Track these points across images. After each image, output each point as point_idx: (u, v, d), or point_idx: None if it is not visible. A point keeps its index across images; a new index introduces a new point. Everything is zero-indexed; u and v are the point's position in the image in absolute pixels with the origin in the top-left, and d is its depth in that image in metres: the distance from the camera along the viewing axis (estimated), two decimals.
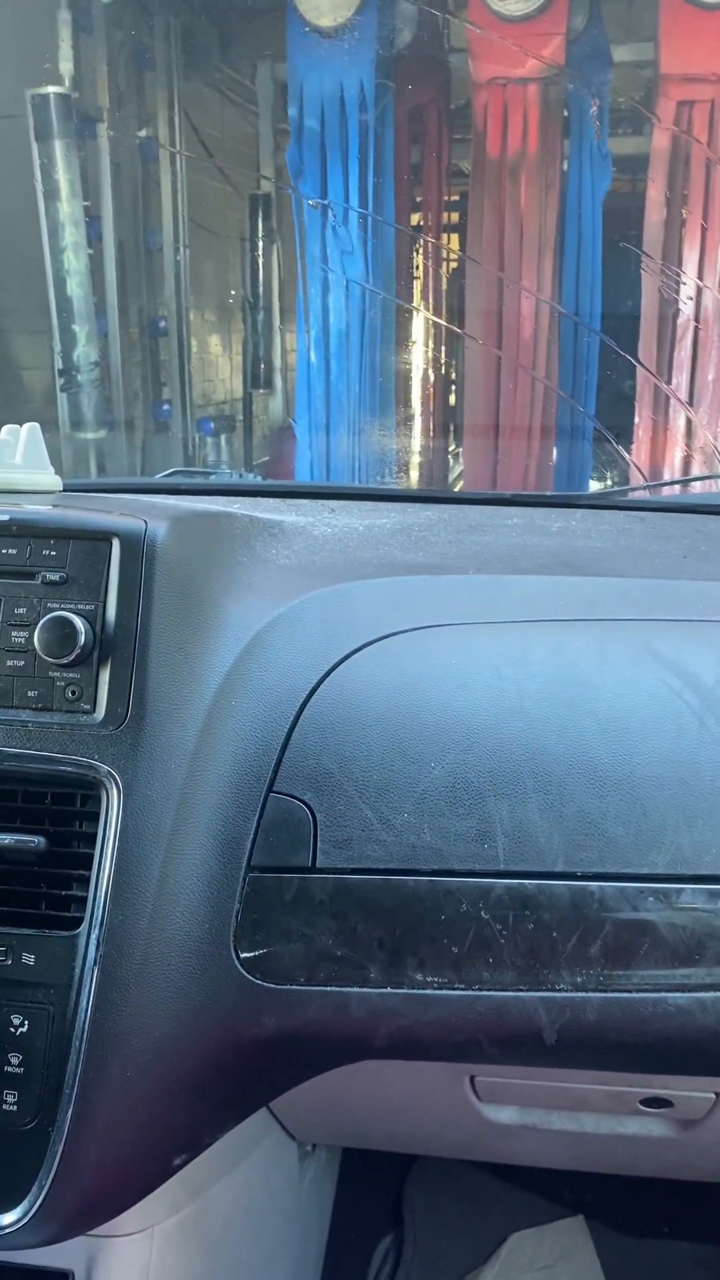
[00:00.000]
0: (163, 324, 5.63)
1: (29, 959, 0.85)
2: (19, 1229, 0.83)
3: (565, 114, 4.59)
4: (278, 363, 5.98)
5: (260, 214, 5.73)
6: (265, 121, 5.73)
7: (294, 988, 0.85)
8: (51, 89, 4.47)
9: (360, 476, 4.60)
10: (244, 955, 0.86)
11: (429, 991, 0.85)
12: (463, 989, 0.84)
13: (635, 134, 5.11)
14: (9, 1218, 0.84)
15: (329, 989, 0.85)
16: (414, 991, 0.85)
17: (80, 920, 0.85)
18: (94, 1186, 0.85)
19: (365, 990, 0.85)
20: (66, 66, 4.54)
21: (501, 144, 4.52)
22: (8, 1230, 0.83)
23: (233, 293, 6.34)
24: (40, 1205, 0.83)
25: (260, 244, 5.76)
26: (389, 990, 0.85)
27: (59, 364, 4.68)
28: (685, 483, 2.19)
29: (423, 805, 0.86)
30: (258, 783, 0.88)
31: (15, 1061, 0.85)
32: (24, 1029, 0.85)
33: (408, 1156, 1.58)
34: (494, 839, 0.85)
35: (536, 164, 4.51)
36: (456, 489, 5.23)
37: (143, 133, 5.34)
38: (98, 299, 4.87)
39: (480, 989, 0.84)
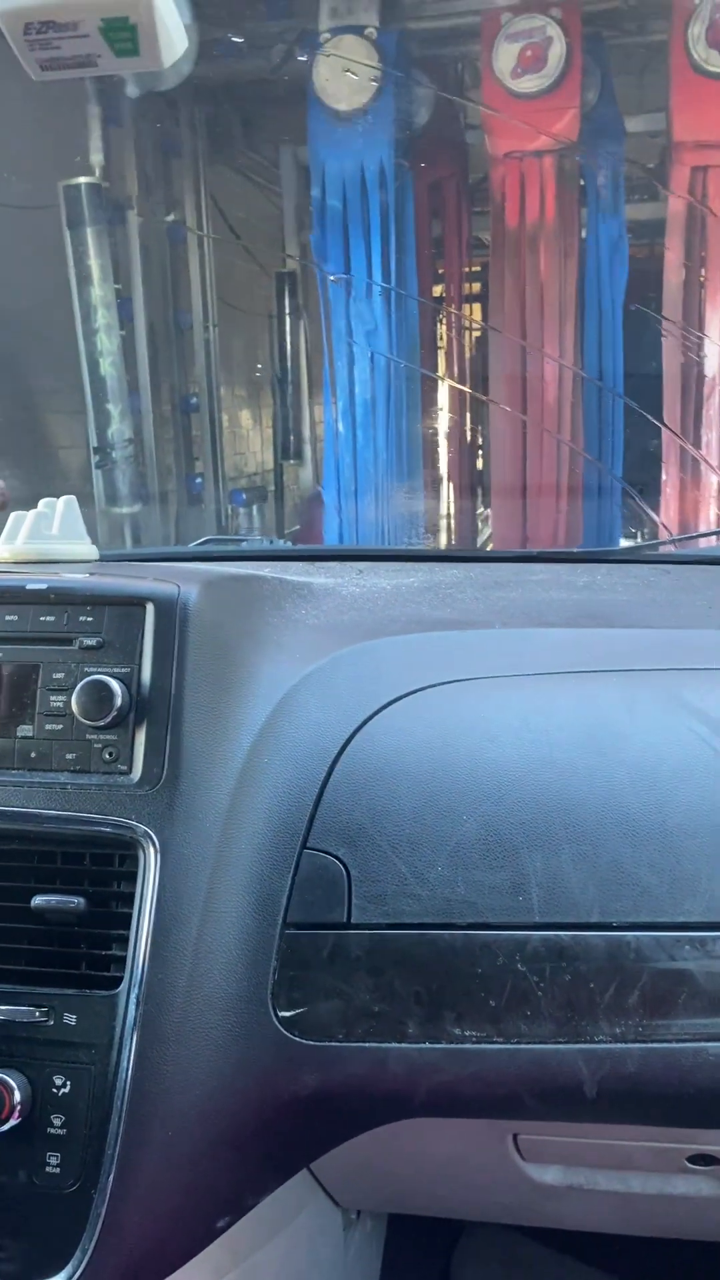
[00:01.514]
0: (194, 400, 5.76)
1: (70, 1019, 0.86)
2: None
3: (581, 184, 4.70)
4: (307, 434, 6.08)
5: (286, 291, 5.88)
6: (289, 202, 5.91)
7: (332, 1044, 0.86)
8: (82, 179, 4.65)
9: (388, 542, 4.65)
10: (282, 1013, 0.86)
11: (468, 1046, 0.84)
12: (501, 1042, 0.84)
13: (651, 200, 5.21)
14: None
15: (367, 1045, 0.85)
16: (452, 1046, 0.85)
17: (120, 980, 0.86)
18: (138, 1250, 0.85)
19: (403, 1046, 0.85)
20: (96, 157, 4.72)
21: (520, 215, 4.63)
22: None
23: (261, 368, 6.49)
24: (84, 1270, 0.83)
25: (287, 320, 5.91)
26: (427, 1045, 0.85)
27: (94, 441, 4.80)
28: (710, 536, 2.20)
29: (456, 858, 0.87)
30: (292, 840, 0.89)
31: (58, 1123, 0.85)
32: (66, 1090, 0.85)
33: (456, 1226, 1.55)
34: (528, 891, 0.85)
35: (554, 233, 4.61)
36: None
37: (171, 217, 5.52)
38: (130, 378, 5.00)
39: (519, 1042, 0.84)
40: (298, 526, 6.17)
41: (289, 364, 5.96)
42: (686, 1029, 0.82)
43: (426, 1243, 1.54)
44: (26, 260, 4.61)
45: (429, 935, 0.86)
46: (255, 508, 5.98)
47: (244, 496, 5.99)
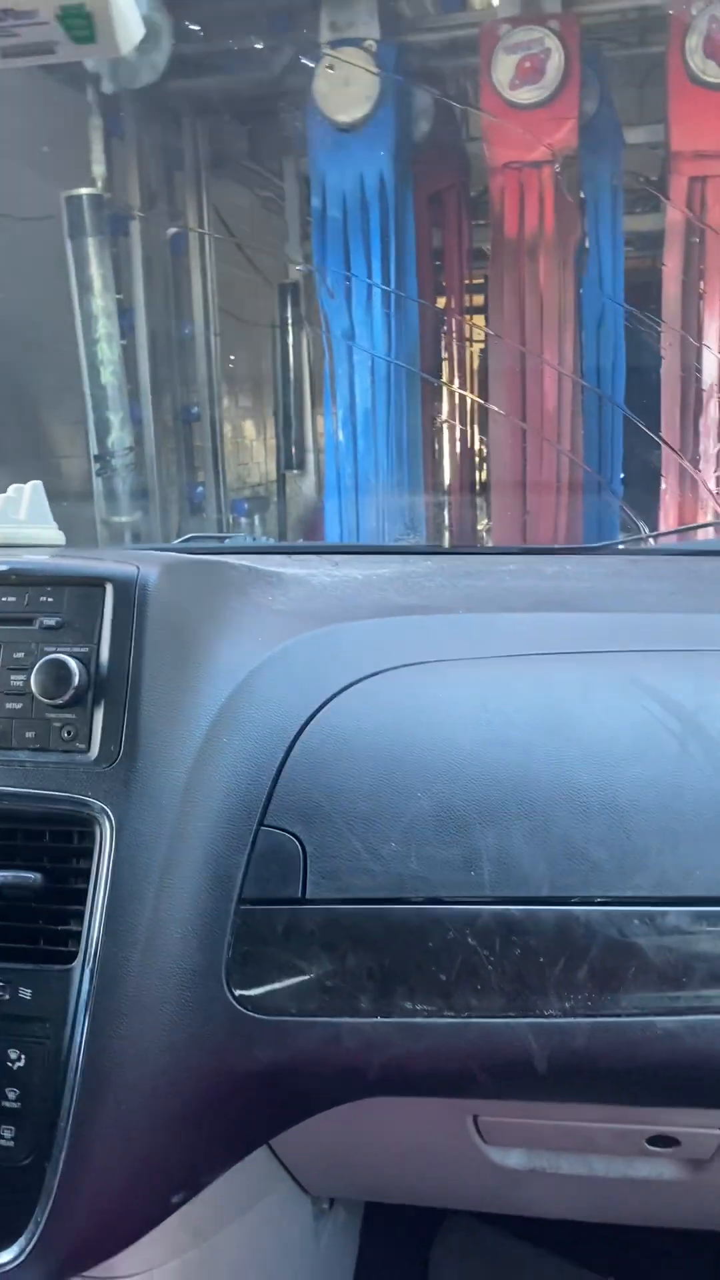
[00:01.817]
0: (196, 409, 5.78)
1: (25, 994, 0.87)
2: (14, 1268, 0.83)
3: (580, 194, 4.72)
4: (309, 444, 6.10)
5: (288, 301, 5.91)
6: (291, 212, 5.94)
7: (286, 1019, 0.86)
8: (84, 190, 4.68)
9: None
10: (236, 989, 0.87)
11: (419, 1020, 0.85)
12: (452, 1016, 0.84)
13: (650, 210, 5.23)
14: (4, 1257, 0.84)
15: (320, 1020, 0.86)
16: (404, 1020, 0.85)
17: (75, 954, 0.87)
18: (90, 1224, 0.85)
19: (356, 1020, 0.85)
20: (99, 168, 4.75)
21: (519, 225, 4.65)
22: (2, 1269, 0.84)
23: (263, 377, 6.51)
24: (36, 1244, 0.84)
25: (289, 330, 5.94)
26: (379, 1020, 0.85)
27: (94, 450, 4.82)
28: (685, 531, 2.21)
29: (410, 834, 0.87)
30: (248, 817, 0.90)
31: (12, 1096, 0.86)
32: (20, 1064, 0.86)
33: (434, 1217, 1.55)
34: (480, 866, 0.86)
35: (553, 243, 4.63)
36: None
37: (173, 228, 5.56)
38: (131, 387, 5.02)
39: (470, 1016, 0.84)
40: (300, 536, 6.18)
41: (291, 374, 5.99)
42: (635, 1003, 0.83)
43: (405, 1234, 1.53)
44: (28, 270, 4.65)
45: (382, 910, 0.86)
46: (257, 517, 6.00)
47: (246, 506, 6.01)
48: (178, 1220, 0.93)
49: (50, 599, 0.95)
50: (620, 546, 1.44)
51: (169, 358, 5.55)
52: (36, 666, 0.91)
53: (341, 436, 4.83)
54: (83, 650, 0.93)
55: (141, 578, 0.94)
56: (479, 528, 5.63)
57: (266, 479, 6.76)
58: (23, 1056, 0.86)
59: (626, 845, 0.85)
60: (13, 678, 0.94)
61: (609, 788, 0.87)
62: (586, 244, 4.76)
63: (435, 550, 1.54)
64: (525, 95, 4.49)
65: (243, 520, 6.03)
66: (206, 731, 0.94)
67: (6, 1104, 0.86)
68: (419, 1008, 0.85)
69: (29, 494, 1.07)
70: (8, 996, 0.87)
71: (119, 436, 4.82)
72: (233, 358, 6.10)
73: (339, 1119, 0.95)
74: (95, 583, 0.94)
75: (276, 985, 0.87)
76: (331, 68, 4.58)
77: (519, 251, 4.65)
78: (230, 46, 4.95)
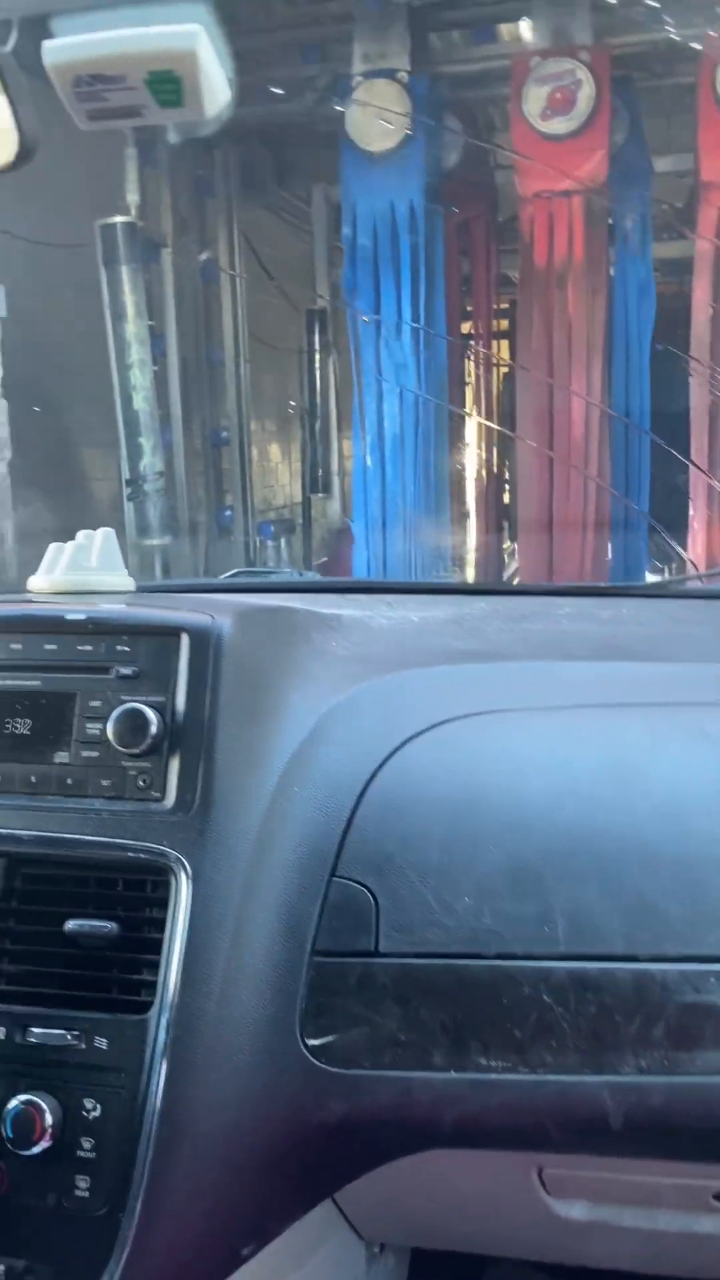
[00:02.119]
0: (224, 434, 5.83)
1: (101, 1043, 0.88)
2: None
3: (609, 223, 4.74)
4: (335, 468, 6.13)
5: (316, 328, 5.96)
6: (319, 241, 5.99)
7: (359, 1072, 0.86)
8: (118, 218, 4.74)
9: (416, 574, 4.67)
10: (309, 1040, 0.87)
11: (492, 1076, 0.85)
12: (526, 1073, 0.85)
13: (679, 238, 5.25)
14: None
15: (393, 1074, 0.86)
16: (478, 1076, 0.85)
17: (150, 1004, 0.88)
18: (165, 1275, 0.85)
19: (429, 1075, 0.86)
20: (133, 197, 4.81)
21: (548, 254, 4.67)
22: None
23: (291, 403, 6.55)
24: None
25: (317, 356, 5.98)
26: (453, 1075, 0.85)
27: (125, 474, 4.86)
28: None
29: (482, 889, 0.88)
30: (320, 867, 0.90)
31: (87, 1146, 0.86)
32: (96, 1113, 0.87)
33: (480, 1262, 1.54)
34: (554, 922, 0.86)
35: (582, 271, 4.65)
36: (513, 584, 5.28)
37: (204, 255, 5.61)
38: (162, 412, 5.07)
39: (544, 1073, 0.84)
40: (325, 559, 6.21)
41: (318, 399, 6.03)
42: (713, 1062, 0.83)
43: (450, 1279, 1.52)
44: (63, 297, 4.70)
45: (455, 965, 0.87)
46: (283, 540, 6.03)
47: (272, 529, 6.04)
48: (243, 1271, 0.93)
49: (126, 648, 0.96)
50: (673, 588, 1.44)
51: (199, 383, 5.59)
52: (114, 715, 0.92)
53: (370, 461, 4.85)
54: (159, 699, 0.94)
55: (216, 627, 0.95)
56: (504, 550, 5.64)
57: (292, 502, 6.79)
58: (98, 1106, 0.87)
59: (701, 901, 0.85)
60: (89, 726, 0.95)
61: (681, 842, 0.87)
62: (615, 272, 4.78)
63: (487, 590, 1.54)
64: (556, 126, 4.52)
65: (269, 543, 6.06)
66: (278, 780, 0.94)
67: (82, 1153, 0.86)
68: (493, 1064, 0.85)
69: (100, 540, 1.08)
70: (84, 1046, 0.88)
71: (150, 461, 4.86)
72: (262, 383, 6.14)
73: (402, 1167, 0.94)
74: (171, 632, 0.96)
75: (349, 1037, 0.87)
76: (364, 98, 4.62)
77: (548, 279, 4.67)
78: (263, 78, 5.01)
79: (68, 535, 1.17)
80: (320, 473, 6.15)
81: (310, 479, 6.16)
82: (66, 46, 0.85)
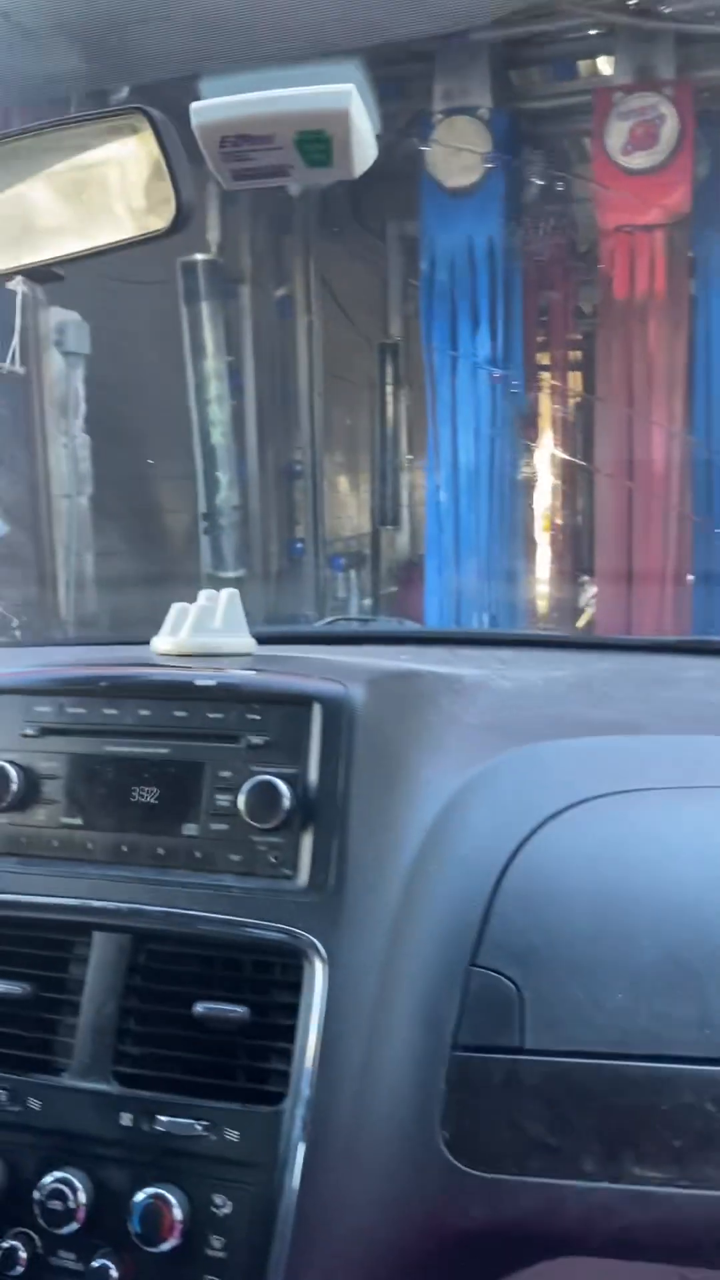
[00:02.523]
0: (298, 467, 5.84)
1: (232, 1135, 0.84)
2: None
3: (690, 256, 4.68)
4: (405, 500, 6.11)
5: (389, 361, 5.96)
6: (393, 275, 6.00)
7: (504, 1177, 0.81)
8: (199, 256, 4.78)
9: (489, 610, 4.62)
10: (451, 1140, 0.82)
11: (650, 1189, 0.79)
12: (687, 1186, 0.79)
13: None
14: None
15: (541, 1181, 0.81)
16: (634, 1188, 0.80)
17: (282, 1095, 0.83)
18: None
19: (581, 1184, 0.80)
20: (213, 235, 4.85)
21: (629, 288, 4.62)
22: None
23: (361, 436, 6.55)
24: None
25: (388, 389, 5.97)
26: (606, 1185, 0.80)
27: (202, 508, 4.88)
28: None
29: (637, 986, 0.83)
30: (460, 956, 0.86)
31: (218, 1245, 0.82)
32: (227, 1210, 0.83)
33: None
34: (715, 1023, 0.81)
35: (664, 305, 4.59)
36: (582, 623, 5.21)
37: (280, 291, 5.65)
38: (238, 446, 5.09)
39: (707, 1188, 0.79)
40: (393, 589, 6.18)
41: (388, 432, 6.02)
42: None
43: None
44: (144, 334, 4.75)
45: (608, 1066, 0.81)
46: (352, 571, 6.01)
47: (342, 561, 6.04)
48: None
49: (257, 716, 0.93)
50: None
51: (274, 417, 5.62)
52: (246, 787, 0.89)
53: (444, 496, 4.82)
54: (290, 771, 0.90)
55: (349, 697, 0.92)
56: (581, 583, 5.56)
57: (360, 534, 6.78)
58: (229, 1203, 0.83)
59: None
60: (219, 798, 0.91)
61: None
62: (697, 306, 4.71)
63: (598, 644, 1.49)
64: (638, 161, 4.48)
65: (340, 575, 6.06)
66: (414, 860, 0.90)
67: (212, 1253, 0.82)
68: (650, 1175, 0.80)
69: (224, 602, 1.06)
70: (214, 1137, 0.84)
71: (226, 495, 4.88)
72: (334, 416, 6.15)
73: (539, 1273, 0.89)
74: (303, 701, 0.92)
75: (494, 1139, 0.82)
76: (444, 135, 4.63)
77: (628, 313, 4.62)
78: None
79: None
80: (390, 505, 6.13)
81: (380, 511, 6.15)
82: (216, 107, 0.83)
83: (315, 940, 0.86)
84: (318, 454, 5.88)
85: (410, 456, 5.95)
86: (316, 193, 5.62)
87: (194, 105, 0.83)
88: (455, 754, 0.99)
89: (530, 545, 5.27)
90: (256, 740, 0.92)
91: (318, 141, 0.83)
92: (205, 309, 4.75)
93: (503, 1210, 0.81)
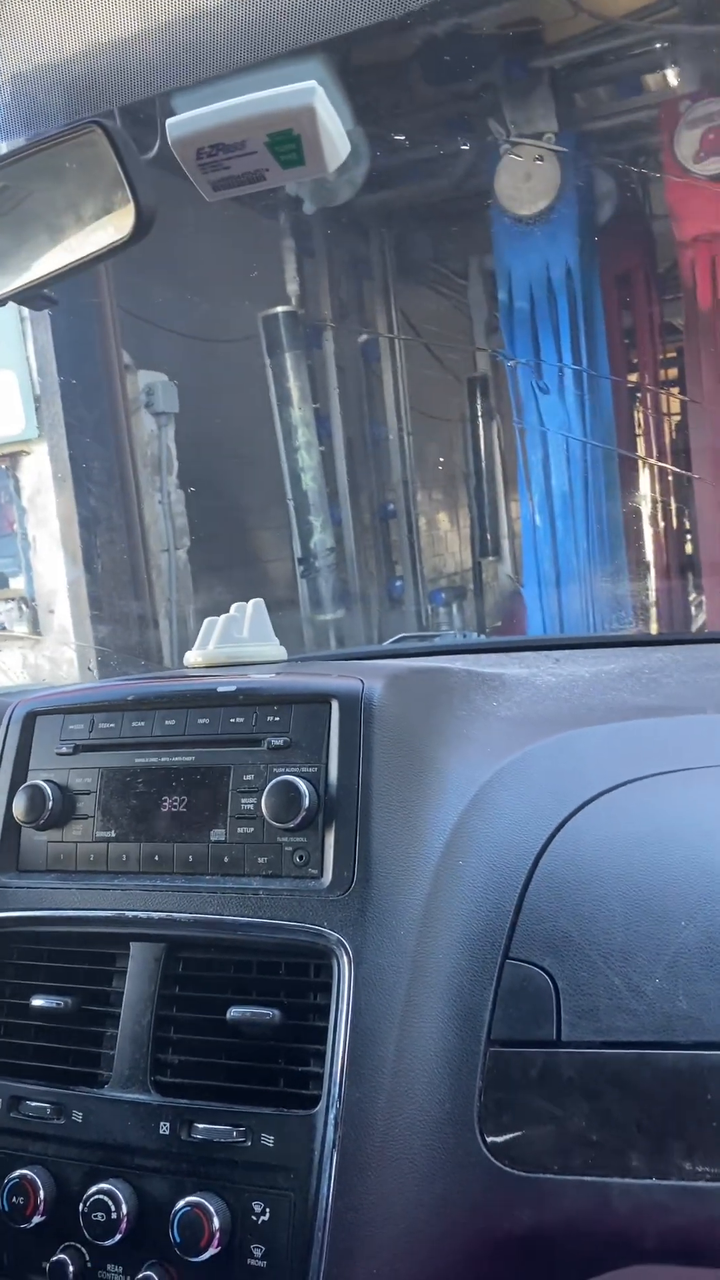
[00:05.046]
0: (391, 506, 5.87)
1: (268, 1140, 0.82)
2: None
3: None
4: (504, 530, 6.08)
5: (477, 394, 5.96)
6: (477, 309, 6.03)
7: (547, 1176, 0.78)
8: (280, 308, 4.90)
9: (592, 632, 4.54)
10: (490, 1138, 0.79)
11: (703, 1184, 0.75)
12: None
13: None
14: None
15: (587, 1179, 0.77)
16: (685, 1184, 0.75)
17: (318, 1099, 0.82)
18: None
19: (628, 1181, 0.76)
20: (292, 286, 4.97)
21: (712, 295, 4.54)
22: None
23: (455, 470, 6.56)
24: None
25: (479, 422, 5.97)
26: (655, 1181, 0.76)
27: (298, 552, 4.95)
28: None
29: (675, 970, 0.79)
30: (492, 948, 0.83)
31: (258, 1254, 0.81)
32: (266, 1217, 0.81)
33: None
34: None
35: None
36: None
37: (363, 336, 5.73)
38: (330, 490, 5.16)
39: None
40: (499, 623, 6.12)
41: (483, 464, 6.01)
42: None
43: None
44: (230, 389, 4.87)
45: (649, 1055, 0.77)
46: (455, 606, 5.99)
47: (443, 596, 6.02)
48: None
49: (277, 718, 0.92)
50: None
51: (364, 459, 5.67)
52: (267, 789, 0.89)
53: (539, 522, 4.77)
54: (311, 770, 0.89)
55: (367, 692, 0.91)
56: (690, 602, 5.41)
57: (462, 568, 6.77)
58: (268, 1210, 0.81)
59: None
60: (243, 801, 0.91)
61: None
62: None
63: (665, 640, 1.44)
64: (712, 167, 4.42)
65: (441, 610, 6.05)
66: (441, 853, 0.88)
67: (253, 1262, 0.80)
68: (700, 1169, 0.75)
69: (251, 611, 1.06)
70: (249, 1144, 0.83)
71: (320, 539, 4.93)
72: (426, 453, 6.19)
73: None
74: (321, 699, 0.92)
75: (535, 1136, 0.79)
76: (512, 165, 4.65)
77: (714, 321, 4.53)
78: (412, 159, 5.11)
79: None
80: (489, 537, 6.10)
81: (479, 543, 6.12)
82: (187, 120, 0.85)
83: (342, 938, 0.84)
84: (411, 492, 5.91)
85: (506, 487, 5.92)
86: (393, 236, 5.70)
87: (169, 121, 0.85)
88: (484, 746, 0.96)
89: (633, 563, 5.17)
90: (278, 742, 0.92)
91: (288, 141, 0.84)
92: (288, 359, 4.85)
93: (549, 1211, 0.78)
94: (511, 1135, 0.79)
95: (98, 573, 3.59)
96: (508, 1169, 0.78)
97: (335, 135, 0.84)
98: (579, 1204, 0.77)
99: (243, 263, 4.96)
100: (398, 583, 5.80)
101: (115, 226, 0.77)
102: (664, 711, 1.01)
